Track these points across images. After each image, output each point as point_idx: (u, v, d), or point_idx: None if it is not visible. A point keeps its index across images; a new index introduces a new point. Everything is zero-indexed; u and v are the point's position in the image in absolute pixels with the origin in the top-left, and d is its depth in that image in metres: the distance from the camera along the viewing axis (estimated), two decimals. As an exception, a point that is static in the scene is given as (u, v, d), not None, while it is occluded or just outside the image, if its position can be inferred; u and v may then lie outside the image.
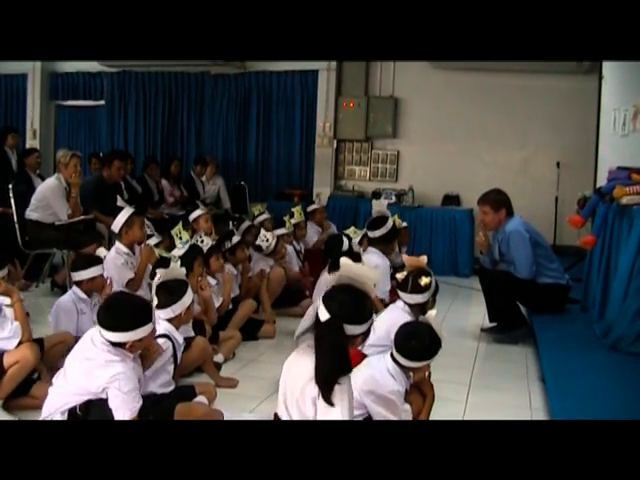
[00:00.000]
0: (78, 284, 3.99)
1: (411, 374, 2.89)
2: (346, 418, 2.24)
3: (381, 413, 2.71)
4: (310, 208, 7.06)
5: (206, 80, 9.35)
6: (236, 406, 3.39)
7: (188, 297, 3.44)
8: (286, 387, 2.40)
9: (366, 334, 2.38)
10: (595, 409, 3.07)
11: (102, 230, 6.09)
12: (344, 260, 2.49)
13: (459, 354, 4.38)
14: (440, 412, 3.06)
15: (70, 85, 9.90)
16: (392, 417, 2.72)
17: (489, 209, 4.94)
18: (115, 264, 4.49)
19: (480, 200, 5.02)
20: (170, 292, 3.39)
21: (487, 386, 3.99)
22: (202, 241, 4.76)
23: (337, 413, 2.21)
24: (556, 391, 3.43)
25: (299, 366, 2.34)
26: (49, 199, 5.78)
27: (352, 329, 2.28)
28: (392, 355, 2.83)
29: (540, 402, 3.69)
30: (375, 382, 2.75)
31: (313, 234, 6.83)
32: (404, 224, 6.61)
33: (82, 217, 5.97)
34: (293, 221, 6.18)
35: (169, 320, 3.38)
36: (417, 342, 2.81)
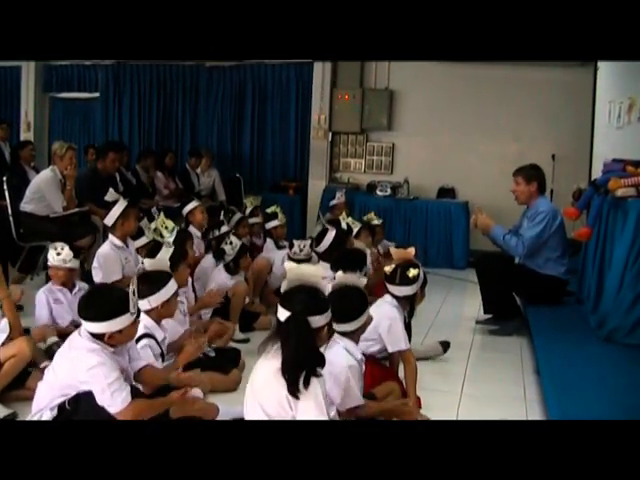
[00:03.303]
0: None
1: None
2: (323, 412, 2.26)
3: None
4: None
5: (201, 72, 9.30)
6: (231, 400, 3.38)
7: (168, 290, 3.27)
8: (254, 393, 2.40)
9: (330, 326, 2.45)
10: (589, 400, 3.09)
11: (97, 222, 6.06)
12: (288, 265, 2.63)
13: (454, 346, 4.38)
14: (435, 404, 3.07)
15: (64, 77, 9.83)
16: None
17: (522, 180, 5.02)
18: (106, 259, 4.48)
19: (515, 171, 5.11)
20: (150, 283, 3.23)
21: (482, 378, 4.00)
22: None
23: (312, 407, 2.24)
24: (551, 382, 3.44)
25: (266, 369, 2.36)
26: (44, 191, 5.75)
27: (315, 321, 2.34)
28: (340, 332, 2.79)
29: (535, 394, 3.70)
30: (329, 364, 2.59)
31: None
32: (377, 222, 6.32)
33: (77, 209, 5.94)
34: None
35: (147, 313, 3.24)
36: (347, 302, 2.85)
